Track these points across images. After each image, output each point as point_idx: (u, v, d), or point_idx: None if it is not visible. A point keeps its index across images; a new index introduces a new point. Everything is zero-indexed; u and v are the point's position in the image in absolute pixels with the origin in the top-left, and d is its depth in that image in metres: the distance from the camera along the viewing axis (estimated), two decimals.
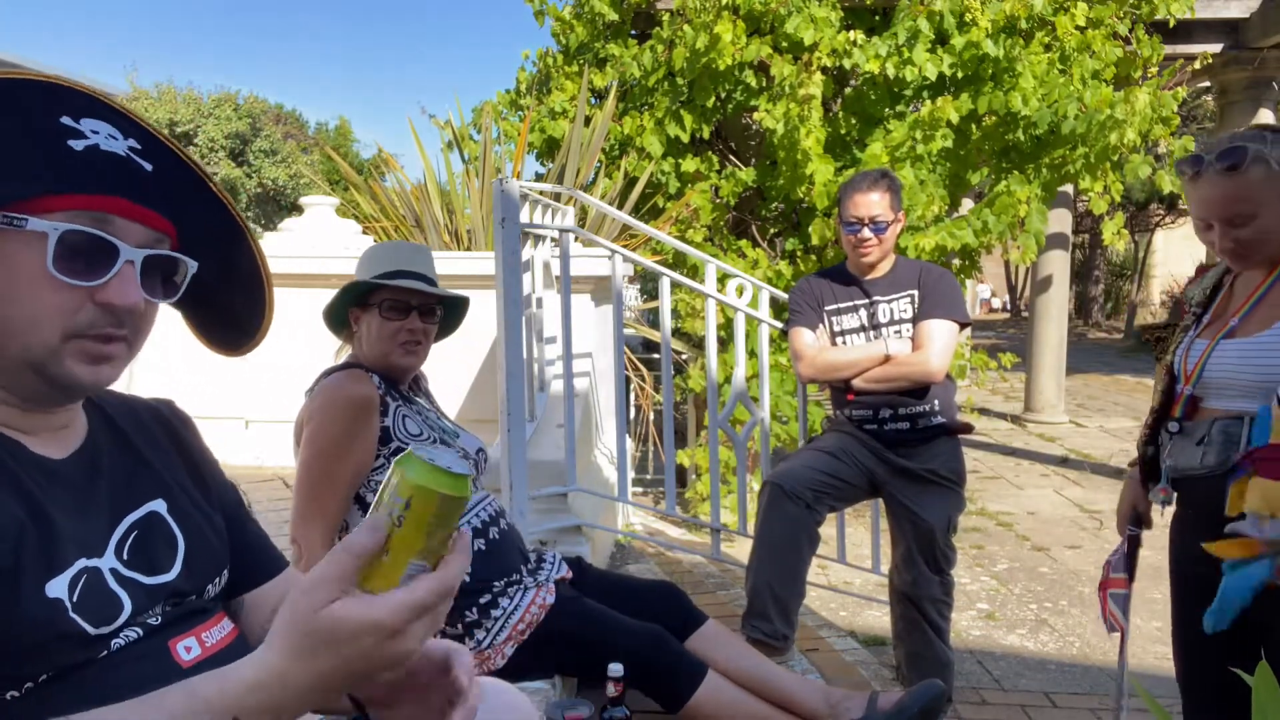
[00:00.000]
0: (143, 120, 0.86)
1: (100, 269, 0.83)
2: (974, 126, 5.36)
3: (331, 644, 0.66)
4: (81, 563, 0.83)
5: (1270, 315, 1.73)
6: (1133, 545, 2.10)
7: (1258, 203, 1.68)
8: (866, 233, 2.67)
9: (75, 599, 0.81)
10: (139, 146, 0.85)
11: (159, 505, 0.95)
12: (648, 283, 8.55)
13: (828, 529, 2.86)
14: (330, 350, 2.17)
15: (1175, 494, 1.89)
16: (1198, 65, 7.52)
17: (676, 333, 5.78)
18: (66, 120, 0.81)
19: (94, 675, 0.80)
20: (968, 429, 2.81)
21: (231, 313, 1.01)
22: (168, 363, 4.08)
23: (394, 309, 1.99)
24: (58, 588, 0.80)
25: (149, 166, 0.86)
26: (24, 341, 0.82)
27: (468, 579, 1.96)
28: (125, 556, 0.88)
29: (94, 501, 0.89)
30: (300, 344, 3.03)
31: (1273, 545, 1.54)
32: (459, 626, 1.95)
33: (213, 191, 0.91)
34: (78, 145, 0.81)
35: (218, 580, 0.98)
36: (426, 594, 0.68)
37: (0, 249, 0.81)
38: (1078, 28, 5.31)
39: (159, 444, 1.01)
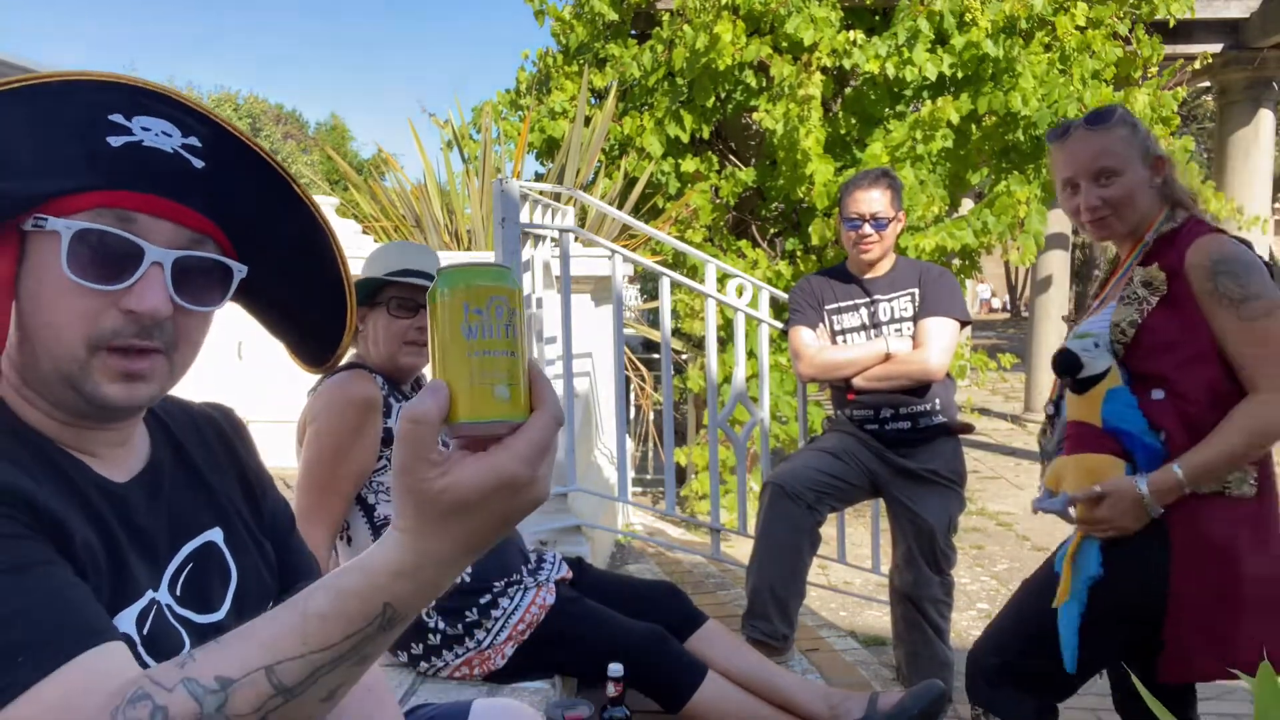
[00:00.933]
0: (222, 119, 0.79)
1: (124, 272, 0.76)
2: (974, 126, 5.36)
3: (469, 513, 0.60)
4: (149, 595, 0.80)
5: (1112, 295, 1.76)
6: None
7: (1123, 159, 1.72)
8: (868, 229, 2.67)
9: (145, 634, 0.77)
10: (198, 145, 0.78)
11: (216, 535, 0.90)
12: (648, 283, 8.56)
13: (828, 529, 2.86)
14: None
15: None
16: (1198, 65, 7.52)
17: (676, 333, 5.78)
18: (116, 118, 0.74)
19: None
20: (968, 429, 2.81)
21: (313, 322, 0.95)
22: None
23: (402, 306, 1.98)
24: (126, 622, 0.76)
25: (199, 164, 0.78)
26: (53, 352, 0.76)
27: (466, 578, 1.96)
28: (178, 592, 0.84)
29: (155, 529, 0.84)
30: None
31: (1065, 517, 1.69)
32: (459, 627, 1.95)
33: (298, 196, 0.85)
34: (116, 141, 0.75)
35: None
36: (544, 430, 0.61)
37: (30, 253, 0.76)
38: (1078, 28, 5.31)
39: (217, 461, 0.96)
